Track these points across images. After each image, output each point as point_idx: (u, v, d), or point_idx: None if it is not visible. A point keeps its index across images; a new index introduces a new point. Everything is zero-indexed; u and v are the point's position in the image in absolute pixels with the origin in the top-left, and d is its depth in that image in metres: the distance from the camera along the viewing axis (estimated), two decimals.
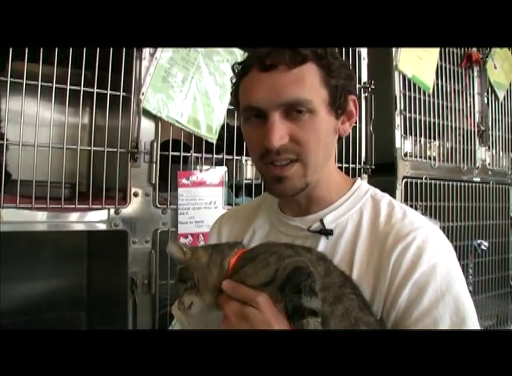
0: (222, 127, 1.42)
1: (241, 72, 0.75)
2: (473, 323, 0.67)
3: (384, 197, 0.80)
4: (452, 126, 1.99)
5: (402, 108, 1.80)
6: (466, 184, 2.04)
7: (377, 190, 0.83)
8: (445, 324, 0.66)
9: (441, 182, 1.92)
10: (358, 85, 1.69)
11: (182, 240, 1.32)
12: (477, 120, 2.11)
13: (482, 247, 2.06)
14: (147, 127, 1.32)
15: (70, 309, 2.00)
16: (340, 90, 0.73)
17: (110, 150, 1.28)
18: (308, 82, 0.70)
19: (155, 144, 1.31)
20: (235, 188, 1.47)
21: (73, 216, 1.26)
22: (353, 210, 0.78)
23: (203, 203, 1.35)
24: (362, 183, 0.83)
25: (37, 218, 1.22)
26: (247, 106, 0.73)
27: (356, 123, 1.67)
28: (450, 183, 1.95)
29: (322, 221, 0.77)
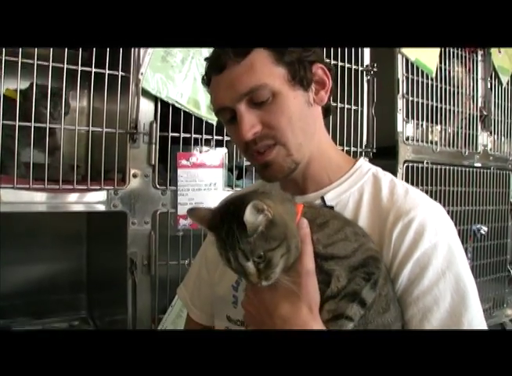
0: None
1: (207, 82, 0.78)
2: (473, 300, 0.67)
3: (386, 175, 0.80)
4: (454, 110, 1.97)
5: (405, 92, 1.78)
6: (467, 169, 2.03)
7: (379, 169, 0.82)
8: (445, 302, 0.66)
9: (443, 167, 1.91)
10: (360, 68, 1.67)
11: (182, 222, 1.32)
12: (479, 105, 2.09)
13: (481, 231, 2.07)
14: (146, 107, 1.30)
15: (70, 292, 2.01)
16: (298, 63, 0.72)
17: (109, 130, 1.26)
18: (258, 68, 0.70)
19: (154, 125, 1.30)
20: (236, 170, 1.46)
21: (72, 197, 1.25)
22: (354, 188, 0.77)
23: (203, 184, 1.34)
24: (364, 162, 0.82)
25: (36, 199, 1.21)
26: (217, 109, 0.75)
27: (358, 106, 1.66)
28: (451, 168, 1.94)
29: (323, 198, 0.77)
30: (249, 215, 0.56)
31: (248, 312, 0.67)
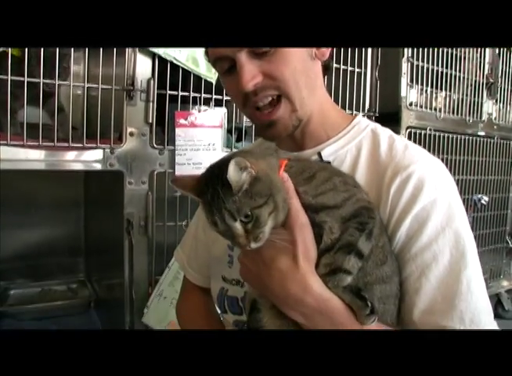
0: None
1: None
2: (473, 258, 0.65)
3: (385, 131, 0.77)
4: (460, 77, 1.93)
5: (410, 55, 1.73)
6: (471, 138, 2.00)
7: (378, 125, 0.79)
8: (444, 259, 0.64)
9: (446, 135, 1.87)
10: None
11: None
12: (486, 71, 2.04)
13: (482, 201, 2.05)
14: (144, 64, 1.26)
15: (68, 255, 2.02)
16: None
17: (105, 87, 1.23)
18: None
19: (152, 82, 1.26)
20: (235, 132, 1.42)
21: (68, 156, 1.22)
22: (352, 143, 0.75)
23: (202, 144, 1.31)
24: (362, 119, 0.79)
25: (31, 157, 1.19)
26: (215, 58, 0.71)
27: (361, 68, 1.61)
28: (454, 136, 1.91)
29: (319, 154, 0.75)
30: (232, 173, 0.54)
31: (245, 267, 0.65)
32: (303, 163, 0.69)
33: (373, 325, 0.58)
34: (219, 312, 0.85)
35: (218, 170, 0.58)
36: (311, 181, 0.63)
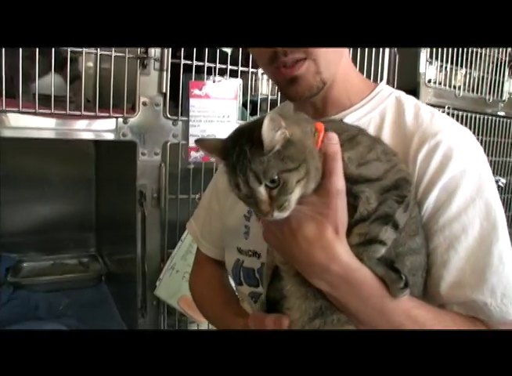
0: None
1: None
2: (503, 230, 0.62)
3: (410, 99, 0.74)
4: (481, 53, 1.87)
5: None
6: (490, 117, 1.95)
7: (403, 93, 0.76)
8: (474, 230, 0.61)
9: (464, 114, 1.83)
10: None
11: (193, 154, 1.28)
12: (509, 49, 1.98)
13: (500, 183, 2.01)
14: None
15: (79, 230, 2.03)
16: None
17: (118, 54, 1.20)
18: None
19: (166, 50, 1.23)
20: (250, 105, 1.39)
21: (80, 124, 1.21)
22: (375, 111, 0.72)
23: (216, 116, 1.29)
24: (385, 86, 0.77)
25: (43, 125, 1.17)
26: None
27: None
28: (473, 115, 1.86)
29: (342, 121, 0.72)
30: (266, 129, 0.50)
31: (269, 231, 0.63)
32: (337, 124, 0.65)
33: (405, 298, 0.56)
34: (234, 284, 0.84)
35: (249, 130, 0.54)
36: (355, 146, 0.60)
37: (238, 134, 0.57)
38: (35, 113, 1.14)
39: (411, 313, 0.57)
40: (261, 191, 0.52)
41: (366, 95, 0.74)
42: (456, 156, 0.63)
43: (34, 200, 1.93)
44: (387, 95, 0.74)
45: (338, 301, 0.58)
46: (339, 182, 0.56)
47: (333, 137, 0.57)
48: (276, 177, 0.52)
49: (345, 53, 0.74)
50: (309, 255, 0.57)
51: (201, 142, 0.60)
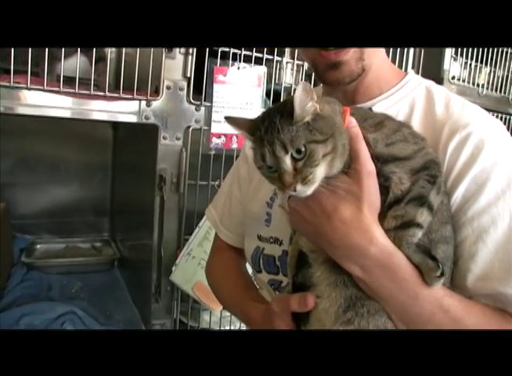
0: None
1: None
2: None
3: (441, 89, 0.73)
4: (506, 52, 1.84)
5: None
6: None
7: (433, 83, 0.75)
8: (504, 223, 0.60)
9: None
10: None
11: (215, 140, 1.27)
12: None
13: None
14: None
15: (93, 215, 2.04)
16: None
17: None
18: None
19: None
20: (272, 94, 1.38)
21: (103, 105, 1.20)
22: (404, 100, 0.71)
23: (239, 103, 1.27)
24: (414, 76, 0.76)
25: (66, 105, 1.16)
26: None
27: None
28: (495, 114, 1.83)
29: (371, 109, 0.71)
30: (299, 96, 0.51)
31: (297, 215, 0.61)
32: (364, 111, 0.66)
33: (438, 286, 0.56)
34: (252, 271, 0.83)
35: (279, 105, 0.55)
36: (380, 128, 0.60)
37: (268, 111, 0.57)
38: (58, 92, 1.13)
39: (443, 302, 0.56)
40: (287, 161, 0.52)
41: (395, 83, 0.74)
42: (487, 147, 0.62)
43: (50, 183, 1.93)
44: (416, 85, 0.73)
45: (369, 287, 0.57)
46: (369, 163, 0.56)
47: (352, 121, 0.58)
48: (303, 148, 0.52)
49: None
50: (346, 238, 0.56)
51: (230, 119, 0.60)
